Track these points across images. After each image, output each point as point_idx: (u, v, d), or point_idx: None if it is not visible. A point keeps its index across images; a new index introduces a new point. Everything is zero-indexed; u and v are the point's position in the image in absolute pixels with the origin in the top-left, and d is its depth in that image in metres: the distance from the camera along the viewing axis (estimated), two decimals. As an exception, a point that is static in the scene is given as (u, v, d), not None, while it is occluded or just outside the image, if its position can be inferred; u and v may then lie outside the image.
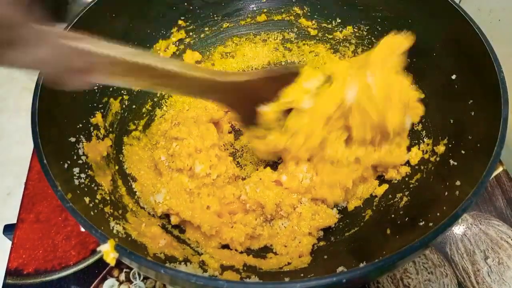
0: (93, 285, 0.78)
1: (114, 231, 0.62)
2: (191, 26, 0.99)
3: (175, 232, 0.77)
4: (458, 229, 0.84)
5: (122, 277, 0.79)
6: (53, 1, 1.23)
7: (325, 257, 0.71)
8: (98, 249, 0.51)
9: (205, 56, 1.03)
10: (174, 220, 0.75)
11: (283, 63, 1.06)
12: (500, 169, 0.92)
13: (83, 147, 0.71)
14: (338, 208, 0.81)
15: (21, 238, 0.84)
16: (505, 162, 0.93)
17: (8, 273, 0.80)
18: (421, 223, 0.60)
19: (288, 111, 0.74)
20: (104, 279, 0.79)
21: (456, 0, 0.75)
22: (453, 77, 0.74)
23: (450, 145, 0.72)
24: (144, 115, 0.93)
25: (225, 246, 0.76)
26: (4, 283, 0.78)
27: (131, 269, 0.80)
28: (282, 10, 1.02)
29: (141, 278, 0.79)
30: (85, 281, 0.79)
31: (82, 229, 0.85)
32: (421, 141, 0.80)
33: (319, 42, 1.02)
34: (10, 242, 0.84)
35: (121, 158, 0.83)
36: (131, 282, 0.79)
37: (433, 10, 0.78)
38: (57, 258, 0.82)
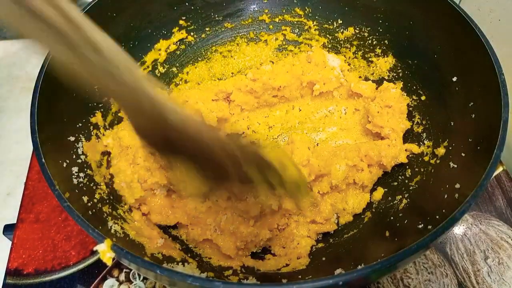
0: (93, 285, 0.78)
1: (112, 231, 0.63)
2: (192, 26, 0.99)
3: (173, 232, 0.77)
4: (458, 229, 0.84)
5: (122, 277, 0.79)
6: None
7: (324, 259, 0.71)
8: (94, 248, 0.51)
9: (206, 56, 1.03)
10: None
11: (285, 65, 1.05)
12: (500, 169, 0.91)
13: (82, 146, 0.72)
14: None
15: (21, 238, 0.84)
16: (505, 162, 0.92)
17: (8, 273, 0.80)
18: (420, 226, 0.60)
19: None
20: (104, 279, 0.79)
21: (456, 0, 0.75)
22: (454, 79, 0.74)
23: (450, 148, 0.72)
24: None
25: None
26: (4, 283, 0.78)
27: (131, 269, 0.80)
28: (284, 11, 1.02)
29: (141, 278, 0.79)
30: (85, 281, 0.79)
31: (77, 232, 0.85)
32: (421, 143, 0.80)
33: (321, 43, 1.02)
34: (10, 242, 0.84)
35: (111, 164, 0.82)
36: (131, 282, 0.79)
37: (433, 11, 0.78)
38: (57, 258, 0.82)
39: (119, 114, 0.84)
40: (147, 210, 0.74)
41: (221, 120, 0.90)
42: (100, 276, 0.79)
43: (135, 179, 0.73)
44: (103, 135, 0.79)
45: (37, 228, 0.85)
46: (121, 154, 0.77)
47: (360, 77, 0.97)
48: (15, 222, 0.87)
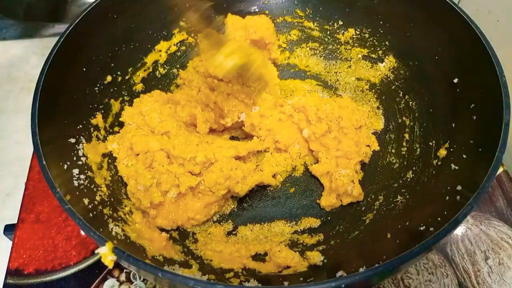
0: (93, 285, 0.78)
1: (113, 233, 0.63)
2: (193, 27, 0.98)
3: (174, 234, 0.77)
4: (458, 230, 0.84)
5: (123, 277, 0.79)
6: (52, 1, 1.23)
7: (325, 261, 0.71)
8: (96, 251, 0.51)
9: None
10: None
11: (285, 64, 1.06)
12: (500, 169, 0.91)
13: (83, 148, 0.71)
14: (334, 210, 0.82)
15: (22, 238, 0.84)
16: (505, 162, 0.92)
17: (9, 273, 0.80)
18: (421, 228, 0.60)
19: None
20: (104, 279, 0.79)
21: (455, 1, 0.75)
22: (455, 80, 0.74)
23: (451, 149, 0.71)
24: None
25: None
26: (5, 283, 0.78)
27: (131, 269, 0.80)
28: (284, 12, 1.02)
29: (141, 278, 0.79)
30: (86, 281, 0.79)
31: (82, 233, 0.85)
32: (422, 145, 0.80)
33: (322, 44, 1.02)
34: (10, 242, 0.84)
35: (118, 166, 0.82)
36: (131, 282, 0.79)
37: (434, 13, 0.78)
38: (57, 258, 0.82)
39: (120, 119, 0.84)
40: (155, 214, 0.74)
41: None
42: (101, 276, 0.79)
43: (154, 183, 0.74)
44: (107, 140, 0.80)
45: (38, 228, 0.85)
46: (138, 158, 0.77)
47: (360, 78, 0.97)
48: (15, 222, 0.87)
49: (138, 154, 0.77)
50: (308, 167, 0.87)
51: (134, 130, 0.81)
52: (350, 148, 0.82)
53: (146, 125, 0.81)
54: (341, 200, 0.81)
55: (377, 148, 0.86)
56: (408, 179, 0.78)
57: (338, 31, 0.99)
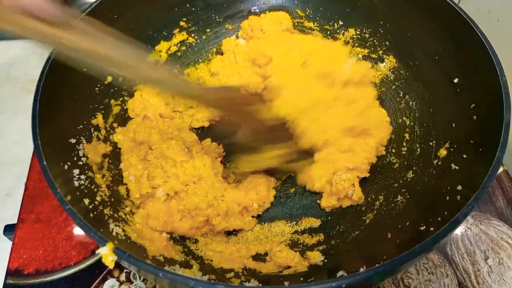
0: (93, 285, 0.78)
1: (114, 233, 0.62)
2: (193, 28, 0.99)
3: (175, 234, 0.77)
4: (458, 230, 0.84)
5: (123, 277, 0.79)
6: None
7: (326, 261, 0.71)
8: (97, 252, 0.51)
9: (207, 57, 1.02)
10: None
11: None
12: (500, 169, 0.91)
13: (83, 148, 0.71)
14: (334, 210, 0.82)
15: (22, 238, 0.84)
16: (505, 162, 0.92)
17: (9, 273, 0.80)
18: (422, 228, 0.60)
19: None
20: (104, 279, 0.79)
21: (455, 1, 0.75)
22: (456, 80, 0.74)
23: (451, 149, 0.72)
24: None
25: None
26: (5, 283, 0.78)
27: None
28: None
29: (142, 278, 0.79)
30: (86, 282, 0.79)
31: (77, 232, 0.85)
32: (422, 144, 0.80)
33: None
34: (10, 242, 0.84)
35: (121, 159, 0.82)
36: (131, 283, 0.79)
37: (434, 12, 0.78)
38: (57, 258, 0.82)
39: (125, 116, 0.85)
40: (146, 213, 0.74)
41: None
42: (101, 277, 0.79)
43: (144, 174, 0.74)
44: (114, 132, 0.81)
45: (38, 228, 0.85)
46: (133, 150, 0.78)
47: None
48: (15, 222, 0.87)
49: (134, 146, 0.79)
50: (307, 187, 0.85)
51: (139, 122, 0.84)
52: (361, 165, 0.82)
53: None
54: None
55: (384, 153, 0.86)
56: (408, 179, 0.78)
57: (338, 31, 0.99)
